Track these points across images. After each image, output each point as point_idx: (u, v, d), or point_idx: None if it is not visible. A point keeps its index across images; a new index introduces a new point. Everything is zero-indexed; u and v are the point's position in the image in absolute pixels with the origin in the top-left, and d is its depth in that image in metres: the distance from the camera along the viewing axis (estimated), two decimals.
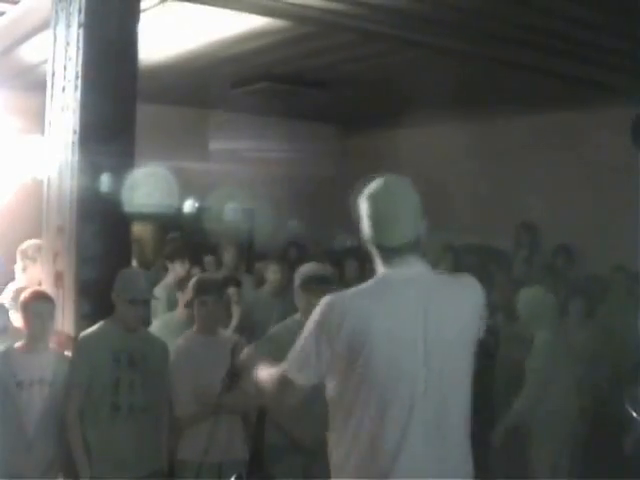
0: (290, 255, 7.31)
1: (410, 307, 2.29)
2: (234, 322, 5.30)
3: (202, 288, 4.03)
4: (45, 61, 4.44)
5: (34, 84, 5.31)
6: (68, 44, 4.09)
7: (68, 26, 4.11)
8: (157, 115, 7.42)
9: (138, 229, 7.70)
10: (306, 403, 4.08)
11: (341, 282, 6.55)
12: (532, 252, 7.44)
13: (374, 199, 2.33)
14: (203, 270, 6.34)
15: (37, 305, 3.78)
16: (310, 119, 9.39)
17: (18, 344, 3.81)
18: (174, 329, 4.44)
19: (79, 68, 4.00)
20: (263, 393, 2.61)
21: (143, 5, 4.38)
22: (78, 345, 3.73)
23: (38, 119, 4.45)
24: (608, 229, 6.57)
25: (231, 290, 4.49)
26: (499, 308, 5.20)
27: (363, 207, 2.35)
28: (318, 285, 4.07)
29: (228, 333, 4.21)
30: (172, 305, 5.62)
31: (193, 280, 4.16)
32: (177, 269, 6.04)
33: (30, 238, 5.06)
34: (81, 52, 3.99)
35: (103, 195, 3.97)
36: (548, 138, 7.61)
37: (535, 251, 7.46)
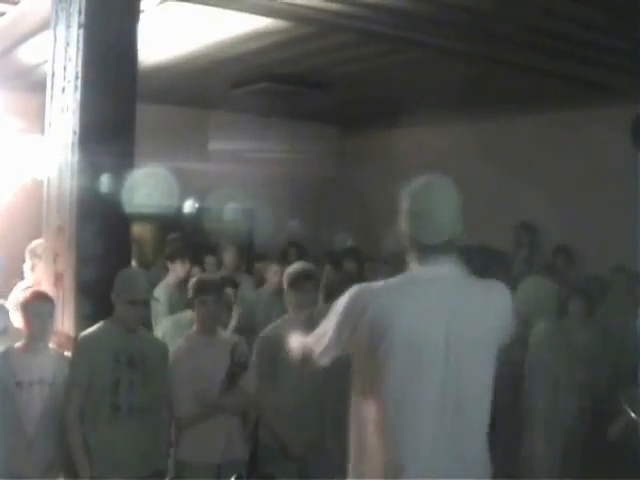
0: (290, 255, 7.31)
1: (435, 305, 2.32)
2: (233, 322, 5.30)
3: (202, 288, 4.03)
4: (45, 62, 4.44)
5: (34, 85, 5.32)
6: (68, 45, 4.09)
7: (68, 27, 4.11)
8: (157, 115, 7.42)
9: (138, 229, 7.70)
10: (298, 407, 4.13)
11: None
12: (532, 252, 7.44)
13: (416, 196, 2.38)
14: (203, 270, 6.34)
15: (37, 305, 3.78)
16: (310, 119, 9.40)
17: (18, 344, 3.81)
18: (185, 329, 4.44)
19: (79, 69, 4.00)
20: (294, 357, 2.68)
21: (143, 5, 4.38)
22: (78, 345, 3.73)
23: (38, 120, 4.46)
24: (608, 229, 6.57)
25: (228, 291, 4.50)
26: None
27: (404, 203, 2.40)
28: (305, 282, 4.14)
29: (228, 333, 4.20)
30: (173, 305, 5.63)
31: (192, 280, 4.17)
32: (177, 269, 6.05)
33: (30, 238, 5.06)
34: (81, 53, 4.00)
35: (103, 195, 3.97)
36: (548, 138, 7.61)
37: (535, 251, 7.46)
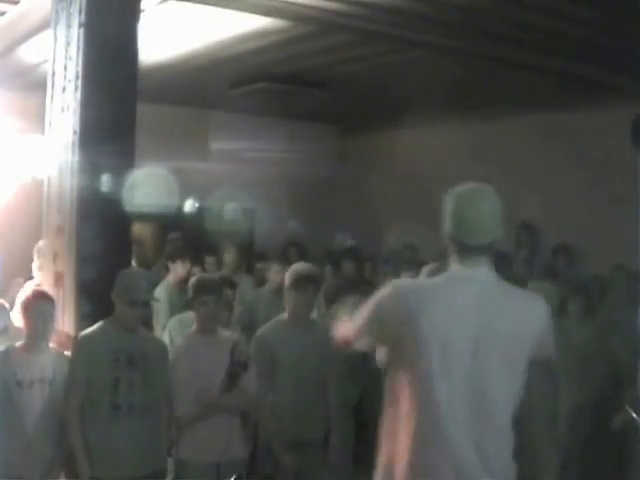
0: (290, 255, 7.31)
1: (467, 305, 2.40)
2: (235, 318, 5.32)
3: (202, 288, 4.03)
4: (45, 61, 4.44)
5: (34, 84, 5.32)
6: (68, 44, 4.09)
7: (68, 26, 4.11)
8: (157, 115, 7.42)
9: (138, 229, 7.70)
10: (295, 406, 4.14)
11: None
12: (532, 252, 7.44)
13: (461, 198, 2.49)
14: (204, 270, 6.34)
15: (38, 305, 3.78)
16: (310, 119, 9.40)
17: (19, 343, 3.81)
18: (189, 328, 4.44)
19: (79, 68, 4.00)
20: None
21: (143, 5, 4.38)
22: (77, 344, 3.73)
23: (38, 119, 4.46)
24: (608, 229, 6.57)
25: (227, 291, 4.50)
26: None
27: (449, 205, 2.50)
28: (306, 284, 4.15)
29: (228, 332, 4.20)
30: (173, 305, 5.63)
31: (192, 280, 4.16)
32: (178, 269, 6.05)
33: (30, 238, 5.07)
34: (81, 52, 4.00)
35: (103, 195, 3.98)
36: (548, 138, 7.61)
37: (535, 251, 7.46)
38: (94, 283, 3.93)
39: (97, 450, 3.62)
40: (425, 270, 3.93)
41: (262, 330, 4.28)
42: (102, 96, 4.01)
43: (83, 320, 3.89)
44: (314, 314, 5.18)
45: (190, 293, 4.08)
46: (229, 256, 6.88)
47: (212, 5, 4.88)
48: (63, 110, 4.11)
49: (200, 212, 8.92)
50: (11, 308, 4.60)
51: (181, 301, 5.30)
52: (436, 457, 2.36)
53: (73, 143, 4.01)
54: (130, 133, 4.11)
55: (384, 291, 2.51)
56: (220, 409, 3.93)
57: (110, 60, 4.05)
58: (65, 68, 4.11)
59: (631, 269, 5.60)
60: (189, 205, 8.88)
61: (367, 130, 9.66)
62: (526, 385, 2.43)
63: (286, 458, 4.08)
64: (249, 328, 5.26)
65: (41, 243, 4.98)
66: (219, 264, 6.79)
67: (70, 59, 4.07)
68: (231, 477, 3.33)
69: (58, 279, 4.09)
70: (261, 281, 6.80)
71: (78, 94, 4.00)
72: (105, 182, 3.97)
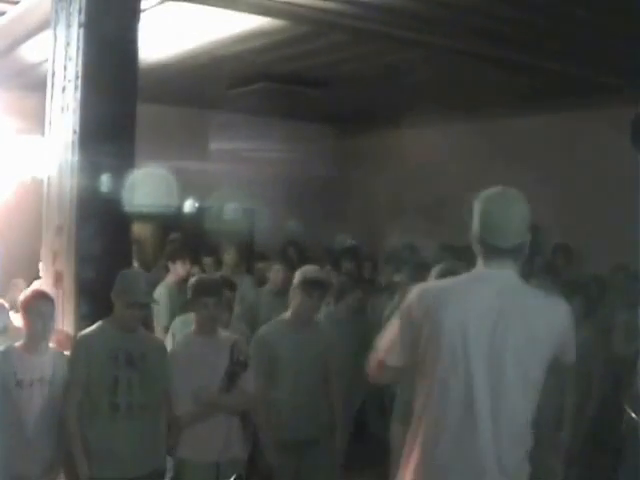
0: (289, 255, 7.32)
1: (484, 306, 2.43)
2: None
3: (202, 290, 4.02)
4: (45, 61, 4.44)
5: (34, 84, 5.31)
6: (68, 44, 4.09)
7: (68, 26, 4.11)
8: (157, 115, 7.42)
9: (138, 229, 7.70)
10: (294, 405, 4.14)
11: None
12: (533, 252, 7.43)
13: (489, 200, 2.53)
14: (203, 271, 6.34)
15: (38, 305, 3.78)
16: (310, 119, 9.40)
17: (18, 343, 3.81)
18: None
19: (79, 68, 4.00)
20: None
21: (143, 5, 4.38)
22: (76, 344, 3.73)
23: (38, 119, 4.46)
24: (608, 229, 6.57)
25: (226, 292, 4.50)
26: None
27: (477, 207, 2.54)
28: (315, 289, 4.16)
29: (227, 332, 4.20)
30: (173, 305, 5.63)
31: (192, 281, 4.13)
32: (178, 269, 6.06)
33: (29, 238, 5.06)
34: (81, 52, 4.00)
35: (103, 195, 3.98)
36: (548, 138, 7.61)
37: (536, 250, 7.45)
38: (94, 283, 3.93)
39: (96, 450, 3.62)
40: (435, 271, 3.96)
41: (264, 329, 4.28)
42: (102, 96, 4.01)
43: (82, 320, 3.89)
44: (321, 312, 5.23)
45: (190, 294, 4.08)
46: (229, 256, 6.88)
47: (211, 5, 4.88)
48: (63, 110, 4.11)
49: (200, 212, 8.93)
50: (11, 308, 4.60)
51: (181, 301, 5.30)
52: (452, 456, 2.39)
53: (73, 143, 4.01)
54: (130, 133, 4.11)
55: (408, 300, 2.55)
56: (219, 409, 3.93)
57: (110, 60, 4.05)
58: (65, 68, 4.11)
59: (631, 269, 5.60)
60: (189, 205, 8.88)
61: (366, 130, 9.65)
62: (545, 388, 2.45)
63: (273, 457, 4.08)
64: (249, 328, 5.25)
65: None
66: (218, 264, 6.79)
67: (70, 59, 4.07)
68: (231, 477, 3.33)
69: (58, 279, 4.09)
70: (261, 281, 6.80)
71: (78, 94, 4.00)
72: (105, 182, 3.97)
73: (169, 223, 8.35)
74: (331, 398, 4.40)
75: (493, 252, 2.49)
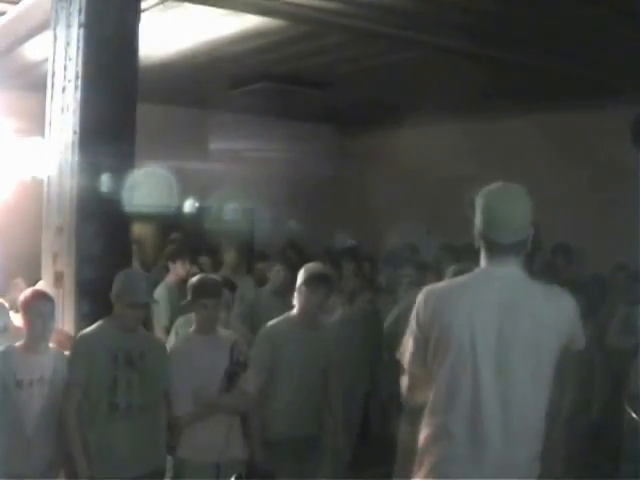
0: (289, 256, 7.31)
1: (490, 303, 2.46)
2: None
3: (202, 291, 4.01)
4: (45, 61, 4.44)
5: (34, 84, 5.31)
6: (68, 44, 4.09)
7: (68, 26, 4.11)
8: (157, 115, 7.42)
9: (138, 229, 7.70)
10: (297, 404, 4.15)
11: (340, 281, 6.60)
12: (532, 251, 7.42)
13: (491, 197, 2.53)
14: (201, 270, 6.34)
15: (38, 305, 3.78)
16: (310, 119, 9.40)
17: (18, 343, 3.81)
18: None
19: (79, 68, 4.00)
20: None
21: (143, 5, 4.38)
22: (76, 344, 3.73)
23: (38, 119, 4.46)
24: (608, 229, 6.57)
25: (226, 293, 4.50)
26: None
27: (480, 203, 2.54)
28: (320, 284, 4.16)
29: (227, 332, 4.20)
30: (173, 305, 5.63)
31: (193, 282, 4.11)
32: (178, 269, 6.06)
33: (29, 238, 5.06)
34: (81, 52, 4.00)
35: (103, 195, 3.98)
36: (548, 138, 7.61)
37: (535, 250, 7.45)
38: (94, 283, 3.93)
39: (95, 450, 3.61)
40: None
41: (269, 326, 4.27)
42: (102, 96, 4.01)
43: (83, 320, 3.90)
44: (336, 313, 5.24)
45: (190, 295, 4.07)
46: (229, 256, 6.87)
47: (212, 5, 4.88)
48: (63, 110, 4.11)
49: (200, 212, 8.92)
50: (11, 308, 4.60)
51: (181, 301, 5.30)
52: (464, 451, 2.42)
53: (73, 143, 4.01)
54: (130, 133, 4.11)
55: (416, 306, 2.58)
56: (219, 409, 3.93)
57: (110, 60, 4.05)
58: (65, 68, 4.11)
59: (631, 269, 5.60)
60: (189, 205, 8.88)
61: (367, 130, 9.66)
62: (556, 379, 2.48)
63: (261, 456, 4.07)
64: (249, 328, 5.25)
65: None
66: (216, 264, 6.78)
67: (70, 59, 4.07)
68: (231, 477, 3.33)
69: (58, 279, 4.09)
70: (261, 281, 6.80)
71: (78, 94, 4.00)
72: (105, 182, 3.97)
73: (169, 223, 8.35)
74: (331, 397, 4.41)
75: (496, 248, 2.51)
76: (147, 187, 4.87)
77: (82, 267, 3.96)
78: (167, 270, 6.19)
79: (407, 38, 5.53)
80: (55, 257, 4.14)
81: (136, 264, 5.86)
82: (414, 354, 2.56)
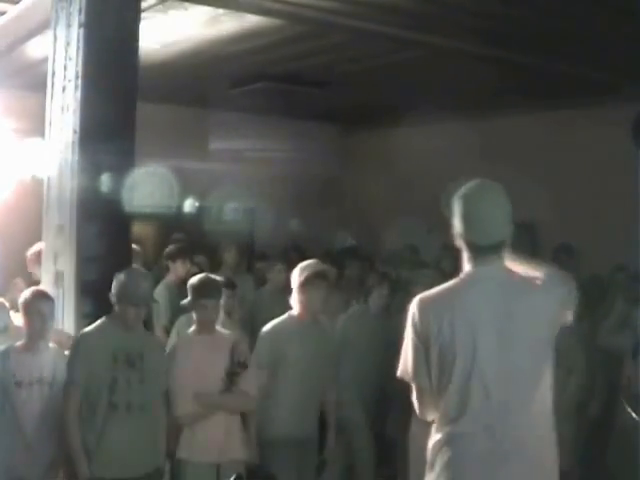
0: (292, 259, 7.32)
1: (484, 305, 2.48)
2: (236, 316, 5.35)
3: (202, 291, 4.01)
4: (45, 61, 4.44)
5: (34, 84, 5.31)
6: (68, 44, 4.10)
7: (68, 26, 4.12)
8: (157, 115, 7.42)
9: (138, 229, 7.70)
10: (298, 403, 4.15)
11: (341, 281, 6.60)
12: (532, 252, 7.42)
13: (468, 200, 2.54)
14: (201, 270, 6.34)
15: (37, 304, 3.78)
16: (310, 118, 9.40)
17: (18, 343, 3.81)
18: None
19: (79, 68, 4.00)
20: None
21: (143, 5, 4.38)
22: (76, 344, 3.72)
23: (38, 119, 4.46)
24: (608, 229, 6.57)
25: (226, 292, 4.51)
26: None
27: (457, 207, 2.55)
28: (320, 281, 4.17)
29: (228, 332, 4.20)
30: (173, 304, 5.63)
31: (193, 282, 4.10)
32: (178, 269, 6.06)
33: (29, 237, 5.06)
34: (81, 52, 4.00)
35: (103, 195, 3.98)
36: (548, 137, 7.61)
37: (535, 250, 7.45)
38: (94, 283, 3.93)
39: (95, 450, 3.61)
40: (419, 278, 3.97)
41: (272, 325, 4.27)
42: (102, 96, 4.01)
43: (83, 319, 3.89)
44: (352, 309, 5.23)
45: (190, 295, 4.07)
46: (229, 255, 6.87)
47: (211, 5, 4.88)
48: (63, 110, 4.11)
49: (200, 212, 8.92)
50: (11, 308, 4.60)
51: (181, 301, 5.30)
52: (477, 449, 2.44)
53: (73, 143, 4.01)
54: (130, 132, 4.11)
55: (410, 316, 2.57)
56: (220, 409, 3.93)
57: (110, 60, 4.05)
58: (65, 68, 4.11)
59: (631, 269, 5.60)
60: (189, 205, 8.87)
61: (367, 129, 9.66)
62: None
63: (261, 456, 4.08)
64: (250, 329, 5.25)
65: None
66: (213, 264, 6.78)
67: (70, 59, 4.07)
68: (231, 477, 3.33)
69: (58, 279, 4.09)
70: (262, 281, 6.80)
71: (78, 94, 4.00)
72: (105, 182, 3.97)
73: (169, 223, 8.34)
74: (328, 397, 4.42)
75: (479, 250, 2.52)
76: (147, 187, 4.88)
77: (82, 267, 3.96)
78: (167, 270, 6.19)
79: (407, 38, 5.53)
80: (55, 257, 4.14)
81: (138, 264, 5.87)
82: (417, 365, 2.55)
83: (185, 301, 4.13)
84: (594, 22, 5.00)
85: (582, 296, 5.30)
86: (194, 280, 4.11)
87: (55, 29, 4.25)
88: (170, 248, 6.38)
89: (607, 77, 6.24)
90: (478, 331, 2.45)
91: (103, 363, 3.62)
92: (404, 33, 5.41)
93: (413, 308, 2.56)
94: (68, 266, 4.03)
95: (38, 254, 5.29)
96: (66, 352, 3.83)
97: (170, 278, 6.05)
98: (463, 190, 2.56)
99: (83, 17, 4.00)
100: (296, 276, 4.26)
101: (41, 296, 3.85)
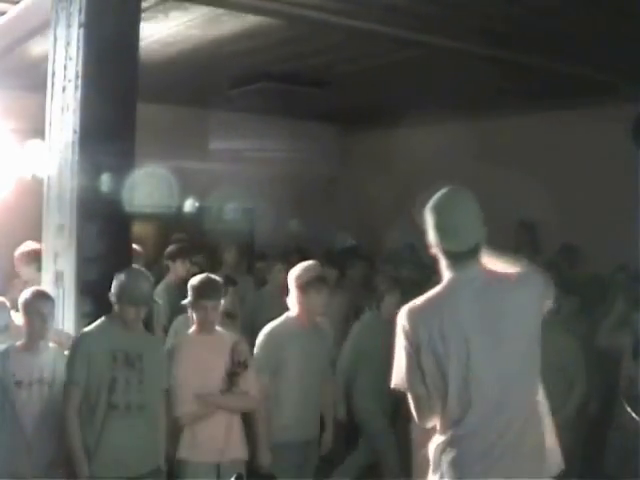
0: (293, 261, 7.32)
1: (473, 305, 2.54)
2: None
3: (202, 292, 4.01)
4: (45, 61, 4.44)
5: (34, 84, 5.31)
6: (68, 44, 4.10)
7: (68, 26, 4.12)
8: (157, 115, 7.41)
9: (138, 229, 7.70)
10: (299, 403, 4.15)
11: (342, 281, 6.61)
12: (532, 251, 7.43)
13: (439, 212, 2.63)
14: (202, 270, 6.34)
15: (37, 304, 3.78)
16: (310, 118, 9.39)
17: (18, 343, 3.81)
18: None
19: (79, 68, 4.00)
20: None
21: (143, 5, 4.38)
22: (75, 343, 3.73)
23: (38, 119, 4.45)
24: (608, 229, 6.57)
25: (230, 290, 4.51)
26: None
27: (429, 219, 2.64)
28: (322, 285, 4.19)
29: (227, 332, 4.20)
30: (173, 304, 5.63)
31: (193, 282, 4.11)
32: (178, 269, 6.06)
33: (29, 237, 5.06)
34: (81, 52, 4.00)
35: (103, 195, 3.98)
36: (548, 137, 7.61)
37: (535, 250, 7.46)
38: (94, 283, 3.93)
39: (95, 449, 3.61)
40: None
41: (272, 327, 4.27)
42: (102, 96, 4.01)
43: (83, 320, 3.89)
44: (364, 316, 5.24)
45: (190, 295, 4.07)
46: (229, 255, 6.88)
47: (212, 5, 4.88)
48: (63, 110, 4.11)
49: (200, 212, 8.92)
50: (12, 307, 4.60)
51: (181, 301, 5.30)
52: (480, 447, 2.50)
53: (73, 143, 4.01)
54: (130, 132, 4.11)
55: (400, 326, 2.62)
56: (220, 408, 3.93)
57: (110, 60, 4.05)
58: (65, 68, 4.11)
59: (631, 269, 5.60)
60: (189, 205, 8.87)
61: (367, 129, 9.65)
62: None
63: (266, 457, 4.07)
64: (250, 329, 5.25)
65: None
66: (211, 263, 6.78)
67: (70, 59, 4.07)
68: (231, 477, 3.33)
69: (58, 279, 4.09)
70: (261, 281, 6.80)
71: (78, 94, 4.00)
72: (105, 182, 3.97)
73: (169, 223, 8.35)
74: (325, 398, 4.43)
75: (456, 256, 2.60)
76: (147, 186, 4.87)
77: (82, 267, 3.97)
78: (167, 269, 6.19)
79: (407, 38, 5.53)
80: (55, 257, 4.14)
81: (140, 264, 5.87)
82: (411, 375, 2.60)
83: (185, 301, 4.14)
84: (594, 22, 4.99)
85: (577, 295, 5.32)
86: (194, 280, 4.11)
87: (55, 29, 4.25)
88: (170, 248, 6.38)
89: (607, 77, 6.24)
90: (469, 334, 2.50)
91: (102, 363, 3.63)
92: (404, 33, 5.41)
93: (402, 319, 2.62)
94: (68, 266, 4.03)
95: (27, 254, 5.31)
96: (66, 352, 3.83)
97: (170, 278, 6.05)
98: (433, 201, 2.65)
99: (83, 17, 4.00)
100: (296, 277, 4.26)
101: (41, 296, 3.86)
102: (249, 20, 5.26)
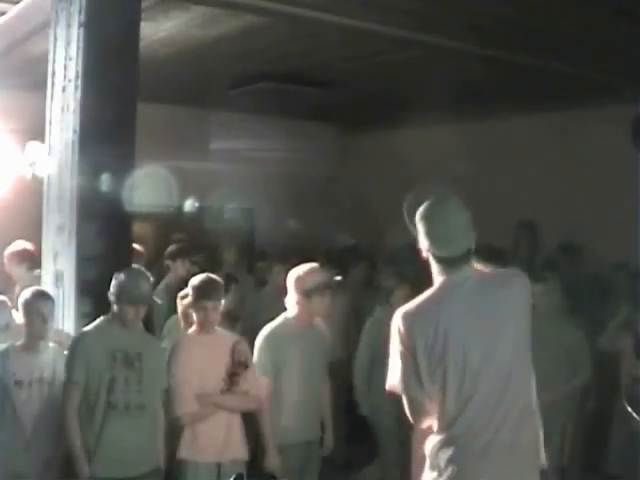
0: (294, 261, 7.32)
1: (467, 306, 2.60)
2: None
3: (203, 292, 4.01)
4: (45, 61, 4.44)
5: (34, 84, 5.31)
6: (68, 44, 4.10)
7: (68, 26, 4.12)
8: (157, 115, 7.41)
9: (138, 229, 7.69)
10: (300, 404, 4.16)
11: (345, 281, 6.59)
12: (532, 251, 7.43)
13: (429, 219, 2.70)
14: (202, 270, 6.33)
15: (37, 304, 3.79)
16: (309, 119, 9.39)
17: (18, 343, 3.82)
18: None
19: (79, 68, 4.00)
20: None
21: (143, 5, 4.38)
22: (74, 343, 3.73)
23: (38, 119, 4.45)
24: (608, 229, 6.57)
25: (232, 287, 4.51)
26: None
27: (420, 226, 2.71)
28: (327, 289, 4.20)
29: (227, 332, 4.20)
30: (173, 304, 5.63)
31: (194, 283, 4.10)
32: (178, 268, 6.06)
33: (29, 237, 5.06)
34: (81, 52, 4.00)
35: (103, 195, 3.98)
36: (548, 138, 7.61)
37: (535, 250, 7.46)
38: (94, 283, 3.94)
39: (94, 449, 3.62)
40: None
41: (271, 328, 4.26)
42: (102, 96, 4.02)
43: (83, 319, 3.90)
44: (376, 312, 5.29)
45: (190, 295, 4.07)
46: (229, 254, 6.88)
47: (211, 5, 4.88)
48: (63, 110, 4.12)
49: (200, 212, 8.92)
50: (13, 307, 4.60)
51: None
52: (477, 445, 2.53)
53: (73, 143, 4.01)
54: (130, 132, 4.12)
55: (396, 330, 2.67)
56: (220, 408, 3.93)
57: (110, 60, 4.05)
58: (65, 68, 4.11)
59: (631, 268, 5.60)
60: (189, 205, 8.87)
61: (367, 129, 9.65)
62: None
63: (272, 458, 4.07)
64: (251, 330, 5.25)
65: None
66: (211, 263, 6.77)
67: (70, 59, 4.07)
68: (231, 477, 3.33)
69: (58, 278, 4.10)
70: (261, 282, 6.80)
71: (78, 94, 4.00)
72: (105, 182, 3.97)
73: (169, 223, 8.34)
74: (323, 397, 4.43)
75: (449, 262, 2.65)
76: (147, 187, 4.87)
77: (82, 267, 3.97)
78: (167, 269, 6.19)
79: (407, 38, 5.53)
80: (55, 257, 4.14)
81: (141, 264, 5.87)
82: (407, 377, 2.63)
83: (185, 301, 4.14)
84: (594, 22, 4.99)
85: (574, 294, 5.32)
86: (195, 280, 4.11)
87: (55, 29, 4.25)
88: (170, 248, 6.39)
89: (607, 78, 6.24)
90: (464, 335, 2.55)
91: (102, 363, 3.63)
92: (404, 33, 5.41)
93: (397, 322, 2.66)
94: (68, 266, 4.03)
95: (17, 254, 5.29)
96: (66, 352, 3.83)
97: (170, 278, 6.05)
98: (424, 209, 2.72)
99: (83, 17, 4.00)
100: (299, 282, 4.24)
101: (41, 296, 3.86)
102: (249, 20, 5.25)
